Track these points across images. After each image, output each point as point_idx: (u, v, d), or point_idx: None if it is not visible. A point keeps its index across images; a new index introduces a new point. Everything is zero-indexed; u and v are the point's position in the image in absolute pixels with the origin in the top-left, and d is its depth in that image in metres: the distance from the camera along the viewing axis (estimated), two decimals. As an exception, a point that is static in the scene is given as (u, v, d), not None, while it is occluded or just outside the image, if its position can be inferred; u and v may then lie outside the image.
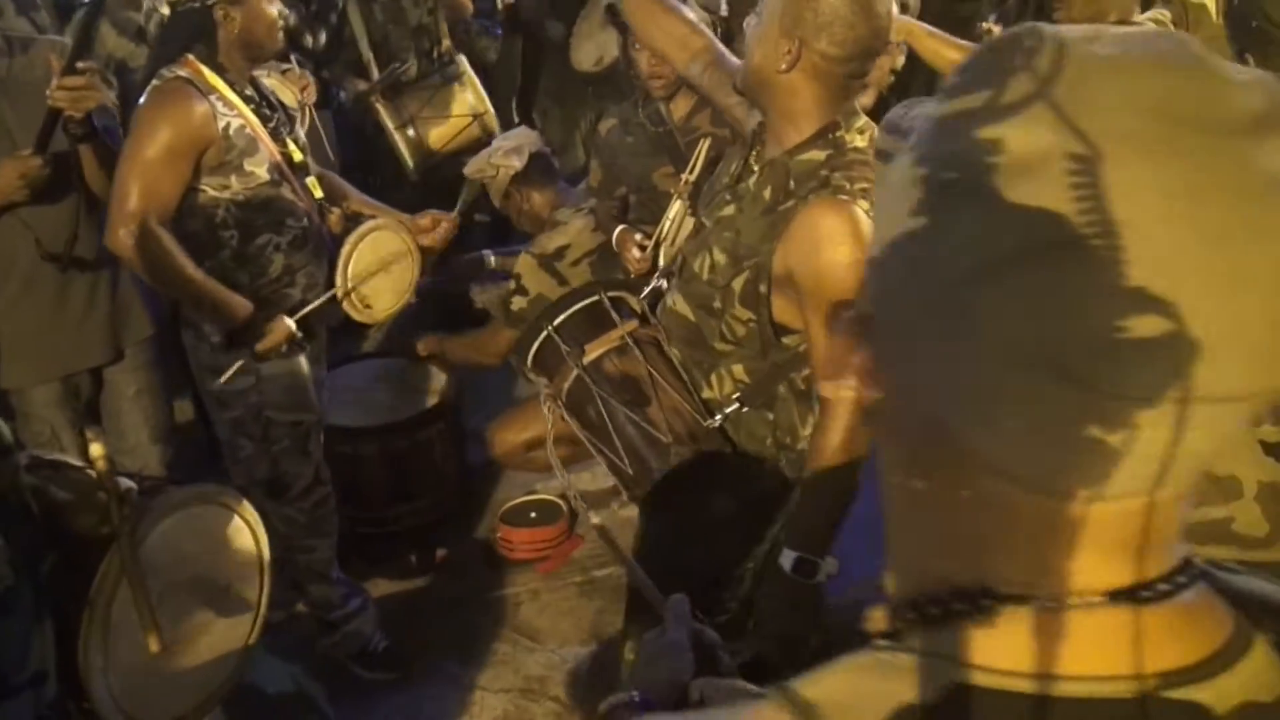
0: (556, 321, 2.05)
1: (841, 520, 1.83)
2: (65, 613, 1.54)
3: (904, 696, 0.55)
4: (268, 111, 2.55)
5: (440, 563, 3.38)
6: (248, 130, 2.45)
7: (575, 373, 2.00)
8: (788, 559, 1.79)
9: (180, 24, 2.45)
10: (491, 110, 3.88)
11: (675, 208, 2.93)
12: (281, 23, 2.47)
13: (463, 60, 4.16)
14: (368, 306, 2.69)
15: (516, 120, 4.70)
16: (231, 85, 2.46)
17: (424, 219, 2.80)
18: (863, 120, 1.86)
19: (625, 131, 3.25)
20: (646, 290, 2.14)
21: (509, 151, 3.52)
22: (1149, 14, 1.99)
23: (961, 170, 0.49)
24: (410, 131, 3.73)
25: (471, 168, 3.62)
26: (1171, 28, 1.99)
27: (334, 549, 2.88)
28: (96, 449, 1.55)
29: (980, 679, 0.55)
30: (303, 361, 2.64)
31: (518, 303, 3.43)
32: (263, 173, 2.47)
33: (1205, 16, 3.12)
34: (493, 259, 3.86)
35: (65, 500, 1.60)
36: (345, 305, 2.66)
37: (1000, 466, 0.53)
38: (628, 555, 1.31)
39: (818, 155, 1.79)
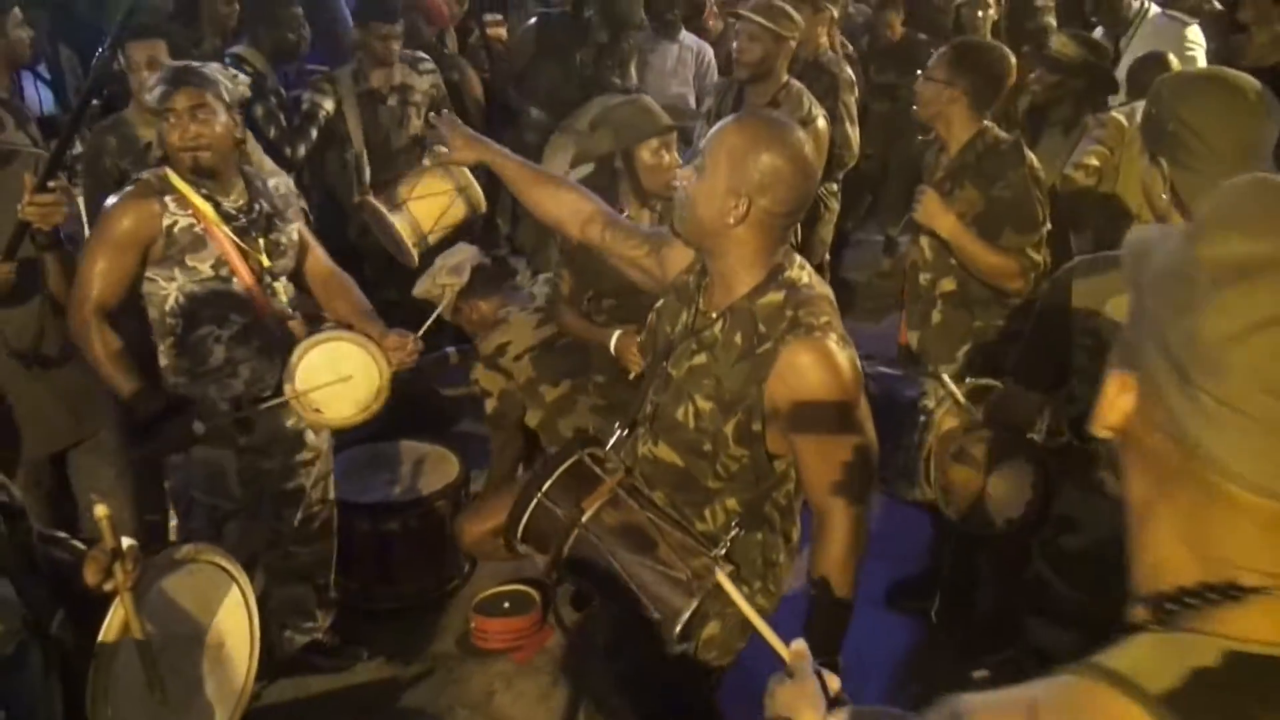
0: (545, 488, 2.04)
1: (848, 621, 1.94)
2: (72, 666, 1.61)
3: (1193, 661, 0.73)
4: (234, 211, 2.68)
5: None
6: (197, 229, 2.61)
7: (576, 533, 1.99)
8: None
9: None
10: (474, 184, 3.93)
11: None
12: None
13: None
14: (317, 410, 2.73)
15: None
16: (195, 186, 2.62)
17: (390, 339, 2.86)
18: (797, 257, 2.05)
19: None
20: (613, 441, 2.20)
21: (452, 270, 3.70)
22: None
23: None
24: (403, 214, 3.82)
25: (419, 289, 3.78)
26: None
27: None
28: (101, 509, 1.65)
29: (1251, 648, 0.73)
30: (227, 454, 2.76)
31: (490, 405, 3.59)
32: (207, 269, 2.64)
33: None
34: (455, 355, 3.99)
35: (69, 560, 1.69)
36: (294, 405, 2.74)
37: (1234, 474, 0.74)
38: (751, 610, 1.42)
39: (776, 297, 1.95)
